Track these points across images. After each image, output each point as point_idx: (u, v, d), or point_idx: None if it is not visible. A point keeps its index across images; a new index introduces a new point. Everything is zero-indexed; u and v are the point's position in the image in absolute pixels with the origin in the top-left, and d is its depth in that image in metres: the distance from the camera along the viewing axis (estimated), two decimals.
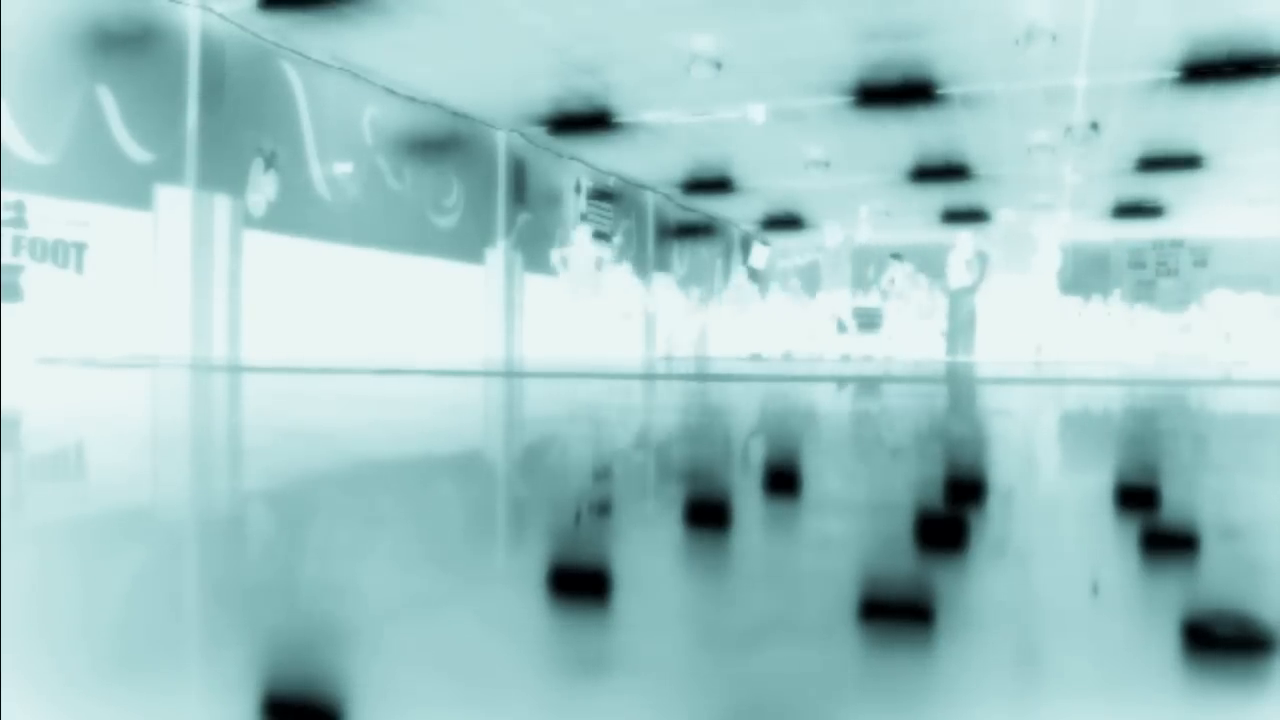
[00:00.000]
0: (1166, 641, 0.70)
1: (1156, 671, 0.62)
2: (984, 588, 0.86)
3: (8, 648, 0.64)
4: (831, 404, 3.96)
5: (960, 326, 13.18)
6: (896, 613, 0.79)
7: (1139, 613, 0.78)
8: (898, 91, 11.64)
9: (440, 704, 0.55)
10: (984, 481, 1.66)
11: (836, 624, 0.73)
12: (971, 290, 13.26)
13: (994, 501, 1.45)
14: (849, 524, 1.16)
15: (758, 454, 2.05)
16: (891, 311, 14.62)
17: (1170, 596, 0.83)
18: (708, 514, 1.30)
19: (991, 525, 1.24)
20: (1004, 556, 1.01)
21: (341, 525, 1.19)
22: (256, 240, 9.59)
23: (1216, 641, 0.69)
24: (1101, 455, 2.14)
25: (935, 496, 1.45)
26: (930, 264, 15.33)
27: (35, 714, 0.54)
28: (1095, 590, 0.85)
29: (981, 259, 13.28)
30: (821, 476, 1.71)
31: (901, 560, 0.98)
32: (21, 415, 2.87)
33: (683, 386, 4.96)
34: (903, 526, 1.18)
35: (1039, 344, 13.46)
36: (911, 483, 1.58)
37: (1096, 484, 1.65)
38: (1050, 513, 1.33)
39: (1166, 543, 1.12)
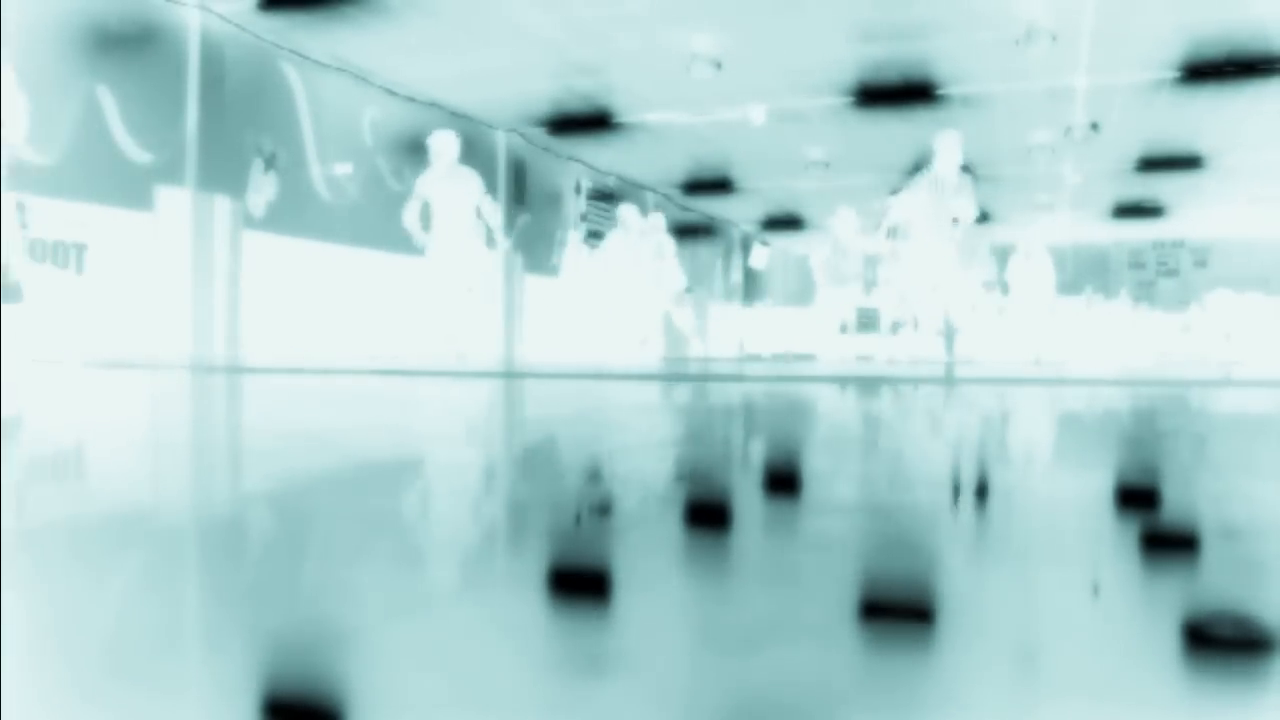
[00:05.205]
0: (1165, 642, 0.69)
1: (1156, 672, 0.62)
2: (984, 587, 0.86)
3: (8, 650, 0.64)
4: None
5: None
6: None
7: (1141, 613, 0.78)
8: (898, 92, 11.64)
9: (439, 705, 0.55)
10: (987, 481, 1.66)
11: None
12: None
13: (995, 501, 1.45)
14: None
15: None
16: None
17: (1170, 597, 0.83)
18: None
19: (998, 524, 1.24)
20: (1004, 556, 1.01)
21: (342, 528, 1.19)
22: (256, 241, 9.58)
23: (1216, 642, 0.69)
24: (1101, 456, 2.13)
25: (936, 496, 1.45)
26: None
27: (35, 715, 0.54)
28: (1096, 591, 0.85)
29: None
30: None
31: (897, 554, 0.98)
32: (21, 417, 2.87)
33: (699, 388, 4.96)
34: (900, 522, 1.18)
35: (1038, 351, 13.18)
36: (909, 481, 1.58)
37: (1097, 484, 1.65)
38: (1049, 513, 1.33)
39: (1167, 543, 1.12)
